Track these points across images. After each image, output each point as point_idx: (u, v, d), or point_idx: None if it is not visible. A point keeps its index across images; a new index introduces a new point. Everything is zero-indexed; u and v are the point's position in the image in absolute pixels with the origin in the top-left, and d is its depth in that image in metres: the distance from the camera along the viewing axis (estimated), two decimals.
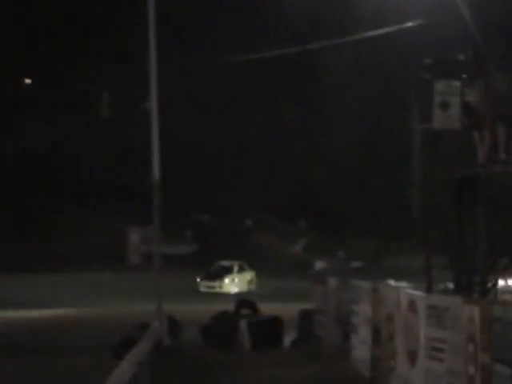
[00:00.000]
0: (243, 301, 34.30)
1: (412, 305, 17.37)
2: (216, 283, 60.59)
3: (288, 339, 31.55)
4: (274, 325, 31.47)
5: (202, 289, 59.75)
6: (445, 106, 29.52)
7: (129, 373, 15.70)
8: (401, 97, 48.75)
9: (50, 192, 75.58)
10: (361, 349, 22.47)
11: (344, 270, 49.39)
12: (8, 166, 77.01)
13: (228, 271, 62.28)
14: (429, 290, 28.34)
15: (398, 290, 19.53)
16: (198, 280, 60.27)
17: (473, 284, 25.66)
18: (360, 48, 42.05)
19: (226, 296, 48.91)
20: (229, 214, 78.24)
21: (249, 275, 63.48)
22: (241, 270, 63.37)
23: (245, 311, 32.91)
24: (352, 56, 53.00)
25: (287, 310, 33.59)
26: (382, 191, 64.51)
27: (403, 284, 20.99)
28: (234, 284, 61.39)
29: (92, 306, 45.58)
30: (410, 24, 32.01)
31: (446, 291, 30.03)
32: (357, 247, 62.52)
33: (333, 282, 30.25)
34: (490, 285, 24.55)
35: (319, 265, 60.15)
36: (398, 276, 25.87)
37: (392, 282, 20.67)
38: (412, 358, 16.98)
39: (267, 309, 34.15)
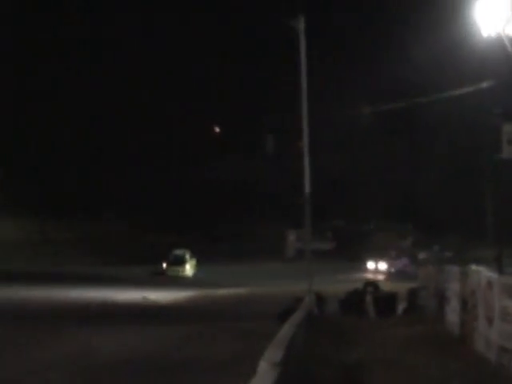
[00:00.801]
0: (369, 281, 34.11)
1: (489, 283, 17.32)
2: (179, 268, 58.29)
3: (400, 309, 31.41)
4: (391, 298, 31.39)
5: (170, 273, 57.25)
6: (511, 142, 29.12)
7: (290, 332, 15.75)
8: (480, 138, 47.93)
9: (239, 207, 76.63)
10: (452, 315, 22.38)
11: (439, 258, 48.51)
12: (211, 191, 78.72)
13: (184, 259, 59.52)
14: (500, 272, 27.88)
15: (479, 273, 19.38)
16: (164, 266, 58.26)
17: None
18: (449, 102, 41.17)
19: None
20: (357, 220, 78.48)
21: (193, 262, 60.45)
22: (190, 257, 60.57)
23: (370, 289, 32.76)
24: (442, 108, 52.02)
25: (400, 287, 33.22)
26: (466, 201, 64.20)
27: (482, 268, 20.64)
28: (189, 269, 59.11)
29: (261, 287, 45.72)
30: (484, 84, 31.44)
31: None
32: (448, 242, 61.55)
33: (432, 267, 30.08)
34: None
35: (422, 255, 59.01)
36: (478, 263, 25.47)
37: (474, 267, 20.35)
38: (489, 320, 16.88)
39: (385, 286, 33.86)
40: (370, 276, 52.48)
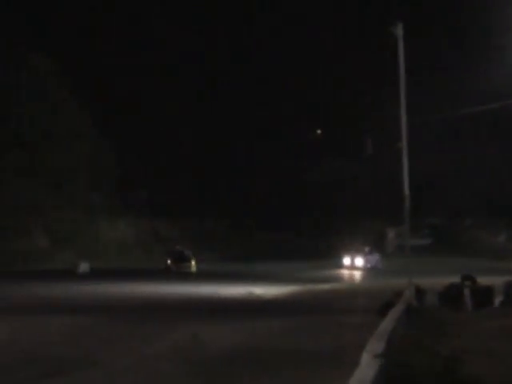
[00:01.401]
0: (466, 275, 33.36)
1: None
2: (187, 264, 56.73)
3: (497, 301, 30.67)
4: (488, 291, 30.71)
5: (174, 269, 55.50)
6: None
7: (390, 325, 15.52)
8: None
9: (340, 207, 76.66)
10: None
11: None
12: (314, 191, 79.13)
13: (189, 256, 58.12)
14: None
15: None
16: (169, 262, 56.82)
17: None
18: None
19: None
20: (452, 218, 77.73)
21: (194, 259, 58.45)
22: (192, 255, 59.02)
23: (467, 282, 32.10)
24: None
25: (496, 281, 32.41)
26: None
27: None
28: (194, 266, 57.41)
29: (362, 281, 45.37)
30: None
31: None
32: None
33: None
34: None
35: None
36: None
37: None
38: None
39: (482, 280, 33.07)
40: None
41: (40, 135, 67.41)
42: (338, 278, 48.62)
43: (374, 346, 11.61)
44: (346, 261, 60.66)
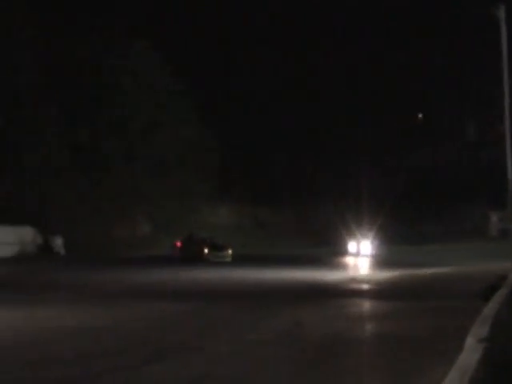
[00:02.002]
0: None
1: None
2: (224, 253, 53.48)
3: None
4: None
5: (213, 258, 51.97)
6: None
7: (494, 310, 15.16)
8: None
9: (442, 192, 75.74)
10: None
11: None
12: (416, 176, 78.40)
13: (226, 245, 54.69)
14: None
15: None
16: (206, 251, 52.58)
17: None
18: None
19: None
20: None
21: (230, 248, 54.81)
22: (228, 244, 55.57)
23: None
24: None
25: None
26: None
27: None
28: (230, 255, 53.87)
29: (465, 266, 44.63)
30: None
31: None
32: None
33: None
34: None
35: None
36: None
37: None
38: None
39: None
40: None
41: (143, 122, 68.49)
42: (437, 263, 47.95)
43: (479, 330, 11.31)
44: (352, 247, 60.28)
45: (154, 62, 69.72)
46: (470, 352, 9.62)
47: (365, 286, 33.60)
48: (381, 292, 30.67)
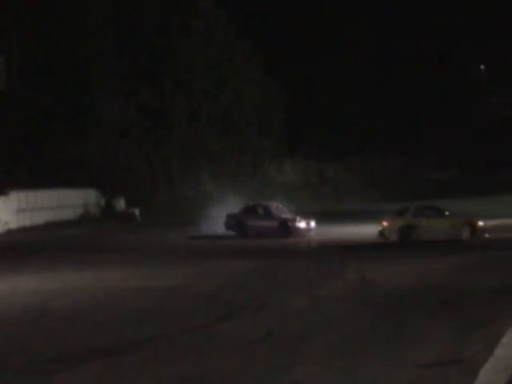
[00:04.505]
0: None
1: None
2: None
3: None
4: None
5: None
6: None
7: None
8: None
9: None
10: None
11: None
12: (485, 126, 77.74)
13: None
14: None
15: None
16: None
17: None
18: None
19: None
20: None
21: None
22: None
23: None
24: None
25: None
26: None
27: None
28: None
29: None
30: None
31: None
32: None
33: None
34: None
35: None
36: None
37: None
38: None
39: None
40: None
41: (208, 81, 68.70)
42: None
43: None
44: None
45: (219, 20, 69.69)
46: None
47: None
48: (448, 246, 30.57)
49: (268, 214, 38.18)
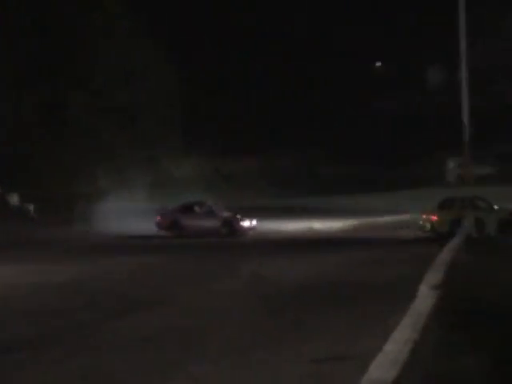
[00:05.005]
0: None
1: None
2: None
3: None
4: None
5: None
6: None
7: (449, 256, 15.52)
8: None
9: (403, 139, 75.95)
10: None
11: None
12: (376, 124, 78.69)
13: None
14: None
15: None
16: None
17: None
18: None
19: None
20: None
21: None
22: None
23: None
24: None
25: None
26: None
27: None
28: None
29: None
30: None
31: None
32: None
33: None
34: None
35: None
36: None
37: None
38: None
39: None
40: None
41: (106, 74, 67.79)
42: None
43: (432, 277, 11.63)
44: None
45: (118, 11, 68.72)
46: (423, 298, 9.91)
47: (322, 236, 33.92)
48: (343, 241, 31.02)
49: (209, 213, 35.99)
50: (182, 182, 66.42)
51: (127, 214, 39.41)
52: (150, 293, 16.72)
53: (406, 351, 6.75)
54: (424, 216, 31.76)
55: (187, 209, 36.68)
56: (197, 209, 36.67)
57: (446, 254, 15.54)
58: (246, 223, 35.64)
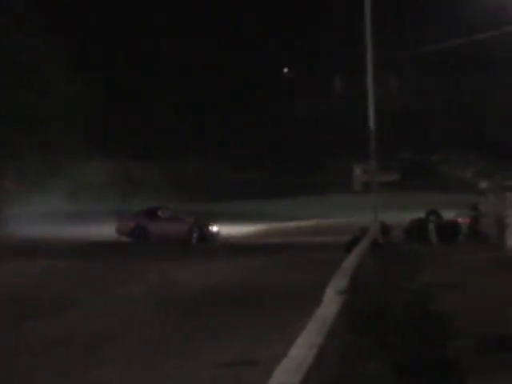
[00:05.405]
0: (431, 210, 33.64)
1: None
2: None
3: (462, 236, 30.97)
4: (453, 226, 31.03)
5: None
6: None
7: (355, 261, 15.60)
8: None
9: (309, 144, 76.54)
10: None
11: (501, 187, 47.40)
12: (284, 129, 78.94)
13: None
14: None
15: None
16: None
17: None
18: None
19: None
20: (422, 153, 77.83)
21: None
22: None
23: (432, 217, 32.40)
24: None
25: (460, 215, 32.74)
26: None
27: None
28: None
29: (331, 218, 45.65)
30: None
31: None
32: (510, 172, 60.97)
33: (493, 195, 29.65)
34: None
35: (482, 185, 57.92)
36: None
37: None
38: None
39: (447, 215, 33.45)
40: None
41: (13, 78, 66.43)
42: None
43: (338, 282, 11.66)
44: None
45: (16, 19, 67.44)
46: (329, 304, 9.91)
47: (232, 241, 33.94)
48: (251, 246, 31.12)
49: (176, 218, 34.39)
50: (88, 186, 65.67)
51: (35, 218, 38.74)
52: (55, 296, 16.39)
53: (311, 356, 6.72)
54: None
55: (151, 213, 34.89)
56: (161, 213, 35.07)
57: (352, 259, 15.64)
58: (214, 228, 34.42)
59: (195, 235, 33.36)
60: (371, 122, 31.54)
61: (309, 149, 76.77)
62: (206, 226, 34.07)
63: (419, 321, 11.94)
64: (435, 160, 79.59)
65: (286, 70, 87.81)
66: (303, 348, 7.01)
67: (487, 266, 20.44)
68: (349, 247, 21.55)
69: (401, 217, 34.37)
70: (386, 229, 30.23)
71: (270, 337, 11.52)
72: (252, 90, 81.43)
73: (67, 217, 38.07)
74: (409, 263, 21.36)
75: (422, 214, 33.04)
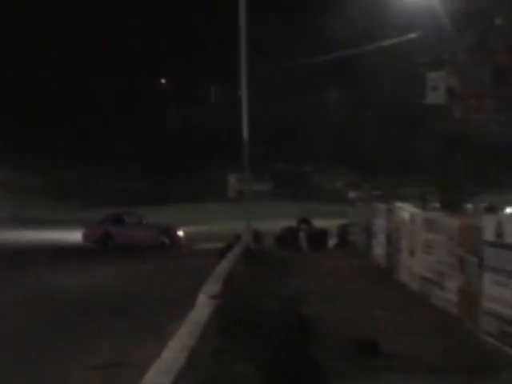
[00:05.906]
0: (302, 218, 34.27)
1: (412, 218, 17.49)
2: None
3: (332, 243, 31.70)
4: (322, 234, 31.72)
5: None
6: (434, 88, 29.88)
7: (228, 267, 15.80)
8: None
9: (186, 154, 76.38)
10: (379, 248, 22.62)
11: (368, 197, 48.80)
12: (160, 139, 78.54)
13: None
14: (424, 208, 28.41)
15: (404, 209, 19.61)
16: None
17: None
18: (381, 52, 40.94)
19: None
20: (295, 163, 78.91)
21: None
22: None
23: (303, 225, 33.01)
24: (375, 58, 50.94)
25: (331, 224, 33.47)
26: (398, 144, 65.39)
27: (407, 205, 21.07)
28: None
29: (206, 226, 45.85)
30: (412, 35, 31.97)
31: (435, 209, 30.21)
32: (378, 182, 62.61)
33: (361, 204, 30.51)
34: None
35: (351, 194, 59.62)
36: (404, 200, 26.06)
37: (400, 204, 20.66)
38: (412, 252, 17.07)
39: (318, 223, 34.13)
40: None
41: None
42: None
43: (210, 287, 11.83)
44: None
45: None
46: (202, 308, 10.06)
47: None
48: (130, 253, 30.94)
49: (142, 224, 34.14)
50: None
51: None
52: None
53: (181, 358, 6.85)
54: None
55: (117, 220, 34.29)
56: (127, 219, 34.50)
57: (224, 265, 15.86)
58: (180, 233, 34.49)
59: (166, 240, 33.45)
60: (244, 133, 31.96)
61: (183, 157, 76.91)
62: (174, 230, 34.17)
63: (287, 325, 12.19)
64: (307, 170, 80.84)
65: (162, 80, 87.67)
66: (175, 350, 7.15)
67: (354, 273, 20.96)
68: (222, 253, 21.76)
69: (273, 225, 34.81)
70: (257, 236, 30.65)
71: (144, 340, 11.57)
72: (128, 102, 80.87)
73: None
74: (279, 269, 21.70)
75: (293, 223, 33.66)
